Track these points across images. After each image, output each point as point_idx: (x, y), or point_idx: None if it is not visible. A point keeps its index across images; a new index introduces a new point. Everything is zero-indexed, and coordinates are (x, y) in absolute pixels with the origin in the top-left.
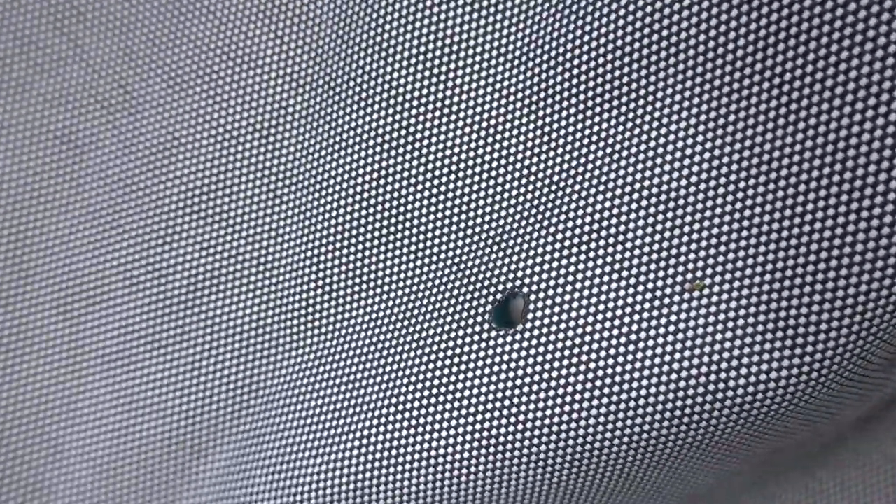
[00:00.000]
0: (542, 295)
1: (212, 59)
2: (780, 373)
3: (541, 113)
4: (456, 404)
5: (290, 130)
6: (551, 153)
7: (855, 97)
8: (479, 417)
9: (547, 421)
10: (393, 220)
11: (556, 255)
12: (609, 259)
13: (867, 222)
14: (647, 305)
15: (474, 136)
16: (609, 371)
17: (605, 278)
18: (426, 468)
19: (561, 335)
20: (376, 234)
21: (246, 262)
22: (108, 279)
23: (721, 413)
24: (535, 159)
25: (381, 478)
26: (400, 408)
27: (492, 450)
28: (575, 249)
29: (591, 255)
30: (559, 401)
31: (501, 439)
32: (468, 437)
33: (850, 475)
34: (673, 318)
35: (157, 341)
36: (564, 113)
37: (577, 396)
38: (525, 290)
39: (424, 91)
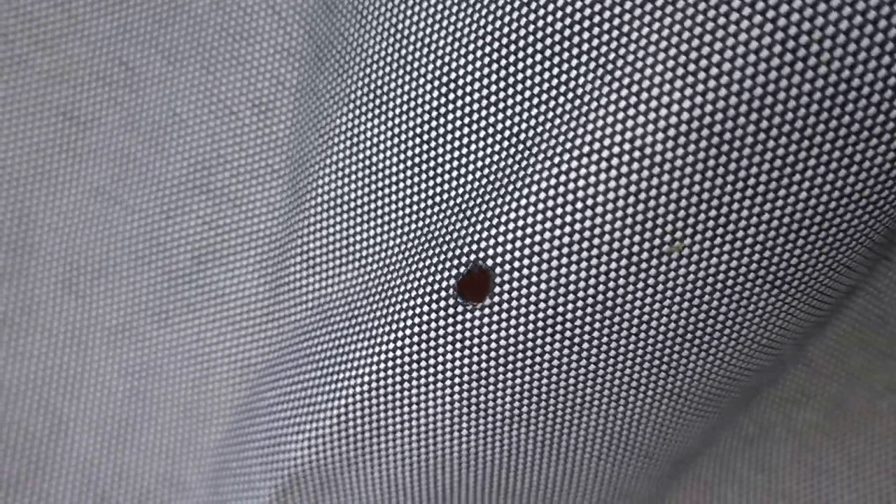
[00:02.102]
0: (507, 268)
1: (210, 34)
2: (765, 316)
3: (503, 62)
4: (431, 378)
5: (285, 105)
6: (517, 108)
7: (848, 29)
8: (456, 389)
9: (527, 386)
10: (365, 189)
11: (522, 223)
12: (579, 227)
13: (856, 173)
14: (622, 272)
15: (435, 92)
16: (587, 337)
17: (576, 248)
18: (407, 438)
19: (532, 307)
20: (351, 204)
21: (246, 237)
22: (113, 254)
23: (705, 365)
24: (500, 115)
25: (362, 450)
26: (374, 384)
27: (473, 416)
28: (540, 217)
29: (559, 222)
30: (537, 367)
31: (483, 406)
32: (448, 408)
33: (856, 452)
34: (651, 281)
35: (164, 313)
36: (530, 60)
37: (556, 364)
38: (490, 262)
39: (389, 48)
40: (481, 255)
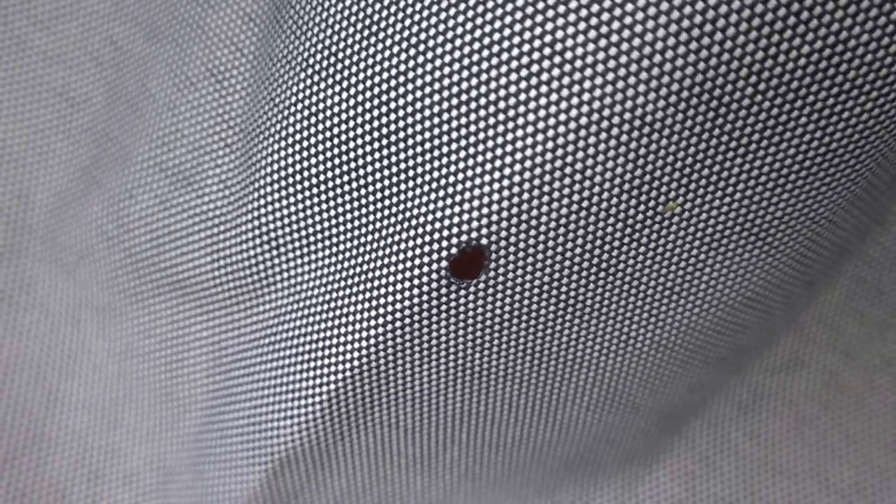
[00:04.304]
0: (502, 244)
1: (183, 5)
2: (748, 267)
3: (479, 21)
4: (425, 354)
5: (242, 73)
6: (494, 72)
7: None
8: (451, 359)
9: (520, 348)
10: (327, 163)
11: (518, 199)
12: (576, 196)
13: (843, 129)
14: (618, 234)
15: (402, 55)
16: (580, 298)
17: (573, 217)
18: (400, 407)
19: (528, 277)
20: (312, 180)
21: (197, 217)
22: (88, 234)
23: (691, 316)
24: (473, 81)
25: (355, 425)
26: (365, 366)
27: (468, 379)
28: (536, 192)
29: (556, 194)
30: (531, 331)
31: (476, 369)
32: (441, 376)
33: (854, 427)
34: (644, 240)
35: (138, 294)
36: (509, 18)
37: (549, 325)
38: (484, 241)
39: (352, 6)
40: (473, 234)
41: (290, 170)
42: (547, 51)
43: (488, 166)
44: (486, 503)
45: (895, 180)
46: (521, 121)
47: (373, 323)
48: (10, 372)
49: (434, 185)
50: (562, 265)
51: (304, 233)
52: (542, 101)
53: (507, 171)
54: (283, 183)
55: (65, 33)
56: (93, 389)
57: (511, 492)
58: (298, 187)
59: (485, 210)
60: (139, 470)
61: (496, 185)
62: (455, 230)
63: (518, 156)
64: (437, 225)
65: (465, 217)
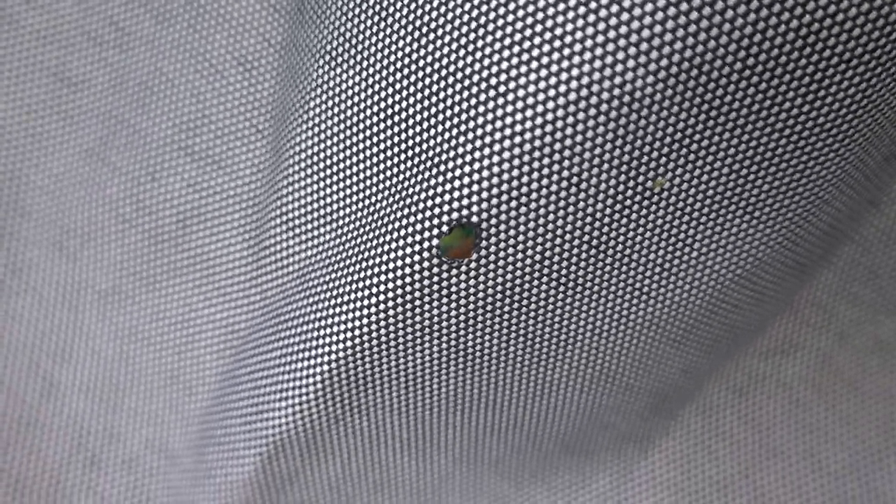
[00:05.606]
0: (493, 222)
1: None
2: (737, 243)
3: (476, 1)
4: (417, 333)
5: (270, 63)
6: (487, 49)
7: None
8: (443, 339)
9: (513, 328)
10: (341, 145)
11: (507, 176)
12: (566, 173)
13: (830, 104)
14: (608, 211)
15: (408, 38)
16: (572, 276)
17: (563, 193)
18: (393, 389)
19: (519, 255)
20: (327, 161)
21: (229, 200)
22: (101, 216)
23: (682, 294)
24: (469, 59)
25: (348, 407)
26: (357, 347)
27: (461, 360)
28: (526, 168)
29: (545, 171)
30: (524, 310)
31: (469, 350)
32: (434, 357)
33: (848, 409)
34: (634, 216)
35: (151, 277)
36: (496, 3)
37: (542, 304)
38: (475, 218)
39: None
40: (464, 212)
41: (310, 152)
42: (538, 27)
43: (478, 143)
44: (482, 487)
45: (887, 160)
46: (510, 97)
47: (365, 302)
48: (2, 358)
49: (427, 163)
50: (552, 243)
51: (316, 213)
52: (532, 76)
53: (496, 146)
54: (304, 165)
55: (59, 12)
56: (90, 374)
57: (507, 476)
58: (315, 168)
59: (475, 187)
60: (139, 454)
61: (486, 162)
62: (445, 207)
63: (507, 131)
64: (429, 203)
65: (456, 194)
